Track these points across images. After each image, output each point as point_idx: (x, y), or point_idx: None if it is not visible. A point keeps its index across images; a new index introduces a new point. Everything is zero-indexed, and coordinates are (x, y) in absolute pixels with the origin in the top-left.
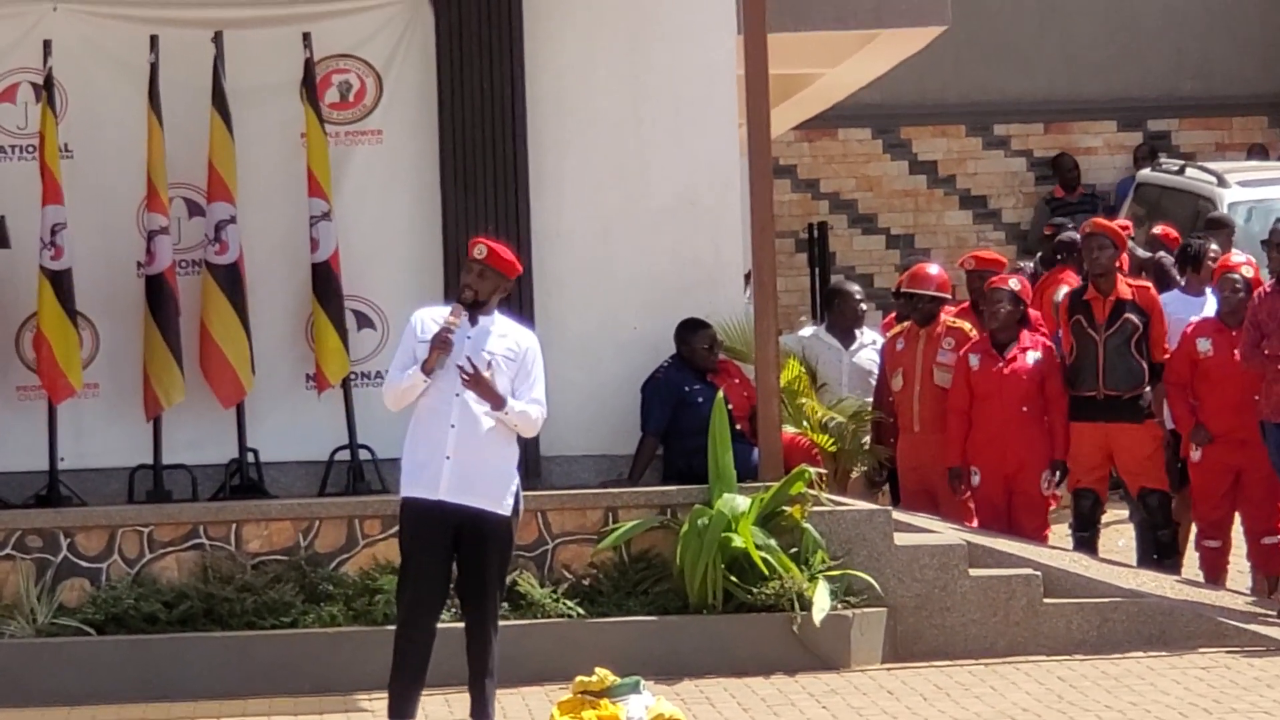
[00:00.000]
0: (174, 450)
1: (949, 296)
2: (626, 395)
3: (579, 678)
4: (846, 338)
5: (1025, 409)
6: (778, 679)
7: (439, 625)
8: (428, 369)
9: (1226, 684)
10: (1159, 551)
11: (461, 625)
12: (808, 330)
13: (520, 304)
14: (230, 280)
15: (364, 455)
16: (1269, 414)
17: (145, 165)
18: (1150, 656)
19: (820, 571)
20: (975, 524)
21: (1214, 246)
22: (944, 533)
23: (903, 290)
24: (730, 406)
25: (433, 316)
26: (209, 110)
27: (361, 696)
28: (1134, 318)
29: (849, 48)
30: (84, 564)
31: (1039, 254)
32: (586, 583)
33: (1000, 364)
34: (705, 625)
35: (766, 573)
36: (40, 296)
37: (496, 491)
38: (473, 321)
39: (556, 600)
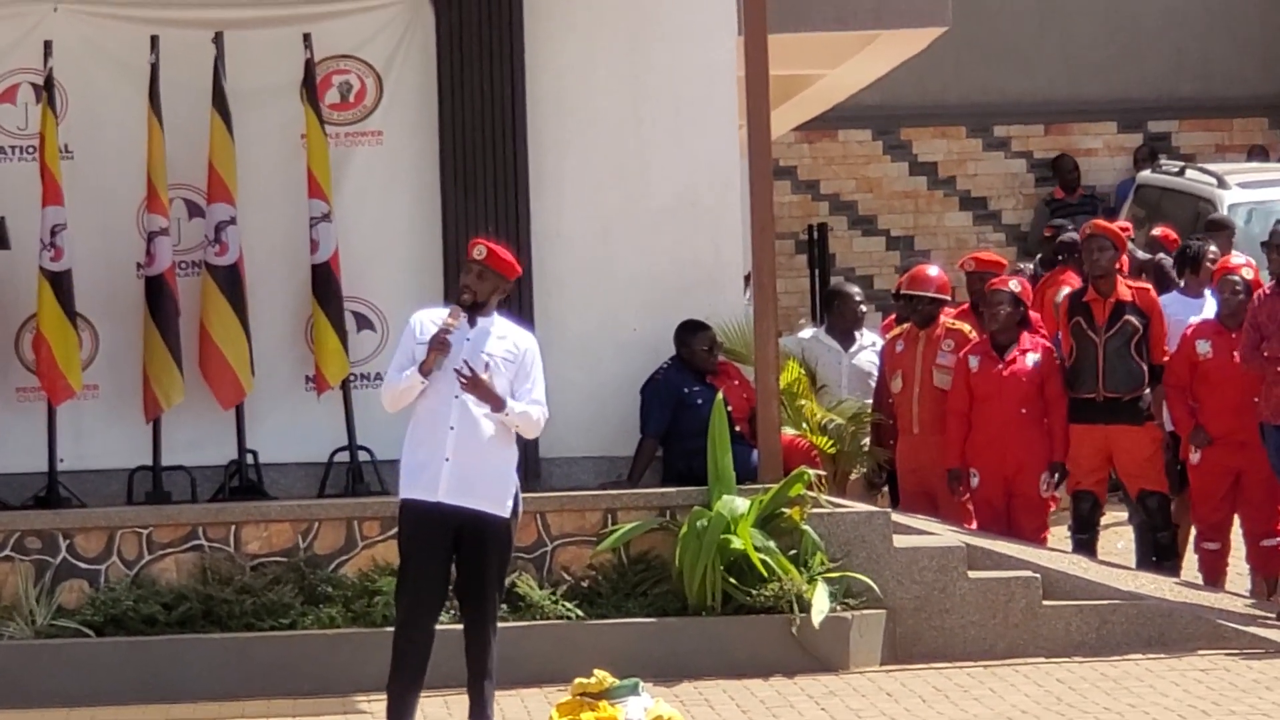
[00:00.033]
0: (173, 451)
1: (949, 298)
2: (626, 396)
3: (578, 679)
4: (846, 339)
5: (1024, 411)
6: (776, 681)
7: (438, 627)
8: (425, 370)
9: (1225, 686)
10: (1158, 554)
11: (460, 627)
12: (807, 332)
13: (520, 305)
14: (230, 281)
15: (363, 457)
16: (1268, 416)
17: (145, 166)
18: (1149, 658)
19: (819, 573)
20: (974, 526)
21: (1213, 248)
22: (943, 535)
23: (902, 292)
24: (730, 408)
25: (431, 318)
26: (209, 111)
27: (360, 698)
28: (1134, 319)
29: (849, 49)
30: (83, 565)
31: (1039, 255)
32: (585, 584)
33: (1000, 366)
34: (704, 627)
35: (765, 574)
36: (40, 297)
37: (496, 493)
38: (471, 323)
39: (555, 602)
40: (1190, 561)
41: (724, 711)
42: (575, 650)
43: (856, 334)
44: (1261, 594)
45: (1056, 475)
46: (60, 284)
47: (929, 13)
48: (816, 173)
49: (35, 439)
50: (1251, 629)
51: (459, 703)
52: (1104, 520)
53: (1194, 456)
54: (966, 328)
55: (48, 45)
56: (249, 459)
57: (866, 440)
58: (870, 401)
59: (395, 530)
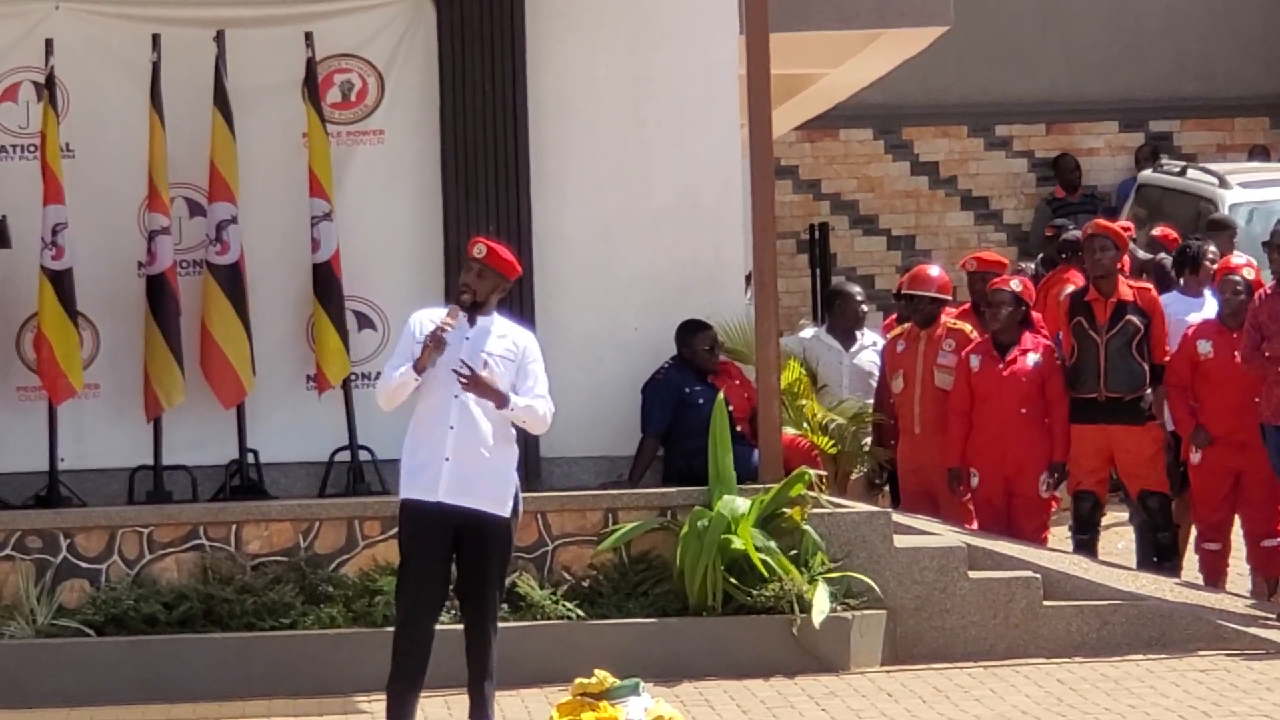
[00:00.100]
0: (174, 451)
1: (950, 298)
2: (627, 396)
3: (578, 680)
4: (847, 339)
5: (1024, 411)
6: (777, 681)
7: (438, 627)
8: (420, 367)
9: (1226, 687)
10: (1159, 554)
11: (461, 627)
12: (808, 332)
13: (521, 305)
14: (231, 280)
15: (364, 456)
16: (1269, 416)
17: (147, 165)
18: (1150, 659)
19: (820, 573)
20: (975, 526)
21: (1212, 248)
22: (944, 535)
23: (904, 292)
24: (731, 408)
25: (431, 318)
26: (211, 110)
27: (361, 698)
28: (1135, 319)
29: (851, 48)
30: (84, 565)
31: (1040, 255)
32: (586, 584)
33: (1001, 365)
34: (705, 627)
35: (766, 575)
36: (41, 296)
37: (496, 493)
38: (471, 322)
39: (556, 602)
40: (1191, 562)
41: (724, 712)
42: (576, 650)
43: (858, 334)
44: (1262, 594)
45: (1055, 475)
46: (61, 283)
47: (931, 12)
48: (818, 172)
49: (36, 438)
50: (1252, 630)
51: (459, 703)
52: (1105, 520)
53: (1195, 457)
54: (968, 328)
55: (49, 44)
56: (250, 458)
57: (867, 440)
58: (871, 401)
59: (396, 530)
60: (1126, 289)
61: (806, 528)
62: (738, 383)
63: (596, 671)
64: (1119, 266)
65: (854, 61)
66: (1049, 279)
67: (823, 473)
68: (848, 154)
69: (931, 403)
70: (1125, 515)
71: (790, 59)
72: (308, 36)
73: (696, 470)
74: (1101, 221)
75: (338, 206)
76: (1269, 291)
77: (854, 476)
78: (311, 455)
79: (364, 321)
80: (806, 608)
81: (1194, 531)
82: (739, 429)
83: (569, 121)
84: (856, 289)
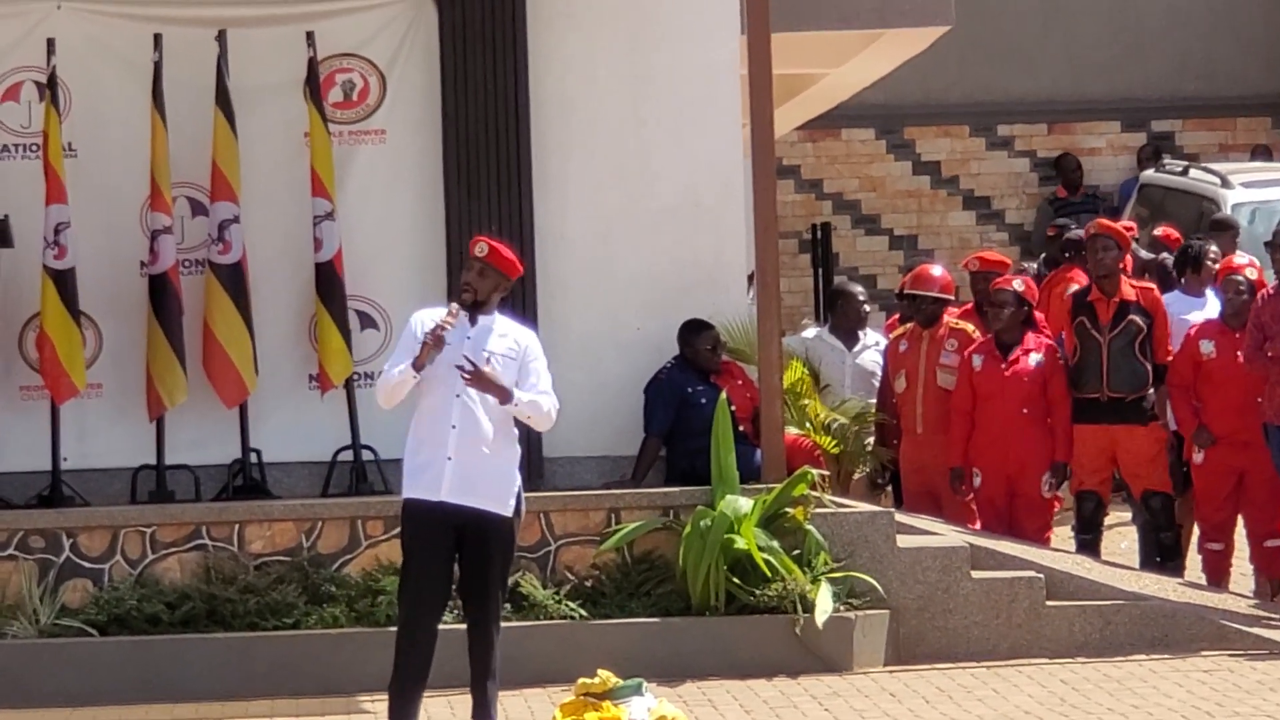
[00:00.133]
0: (177, 450)
1: (952, 298)
2: (629, 396)
3: (581, 679)
4: (850, 339)
5: (1026, 410)
6: (780, 681)
7: (441, 626)
8: (418, 365)
9: (1229, 687)
10: (1162, 554)
11: (464, 627)
12: (811, 331)
13: (523, 305)
14: (233, 280)
15: (367, 456)
16: (1272, 416)
17: (149, 164)
18: (1153, 659)
19: (823, 573)
20: (978, 525)
21: (1213, 248)
22: (946, 535)
23: (906, 291)
24: (733, 408)
25: (432, 317)
26: (213, 109)
27: (364, 698)
28: (1138, 319)
29: (853, 47)
30: (86, 564)
31: (1042, 255)
32: (589, 584)
33: (1003, 365)
34: (707, 627)
35: (769, 574)
36: (43, 296)
37: (498, 492)
38: (472, 321)
39: (559, 602)
40: (1194, 562)
41: (727, 712)
42: (579, 650)
43: (860, 333)
44: (1265, 595)
45: (1057, 476)
46: (64, 282)
47: (932, 11)
48: (820, 172)
49: (39, 438)
50: (1255, 630)
51: (462, 703)
52: (1108, 520)
53: (1197, 457)
54: (970, 327)
55: (51, 43)
56: (252, 458)
57: (870, 440)
58: (874, 401)
59: (398, 530)
60: (1129, 289)
61: (809, 527)
62: (740, 382)
63: (599, 671)
64: (1121, 266)
65: (855, 61)
66: (1051, 279)
67: (825, 472)
68: (850, 154)
69: (934, 402)
70: (1128, 515)
71: (792, 59)
72: (309, 36)
73: (699, 470)
74: (1104, 221)
75: (340, 206)
76: (1271, 291)
77: (856, 476)
78: (314, 455)
79: (366, 321)
80: (809, 608)
81: (1197, 531)
82: (741, 429)
83: (570, 121)
84: (859, 289)
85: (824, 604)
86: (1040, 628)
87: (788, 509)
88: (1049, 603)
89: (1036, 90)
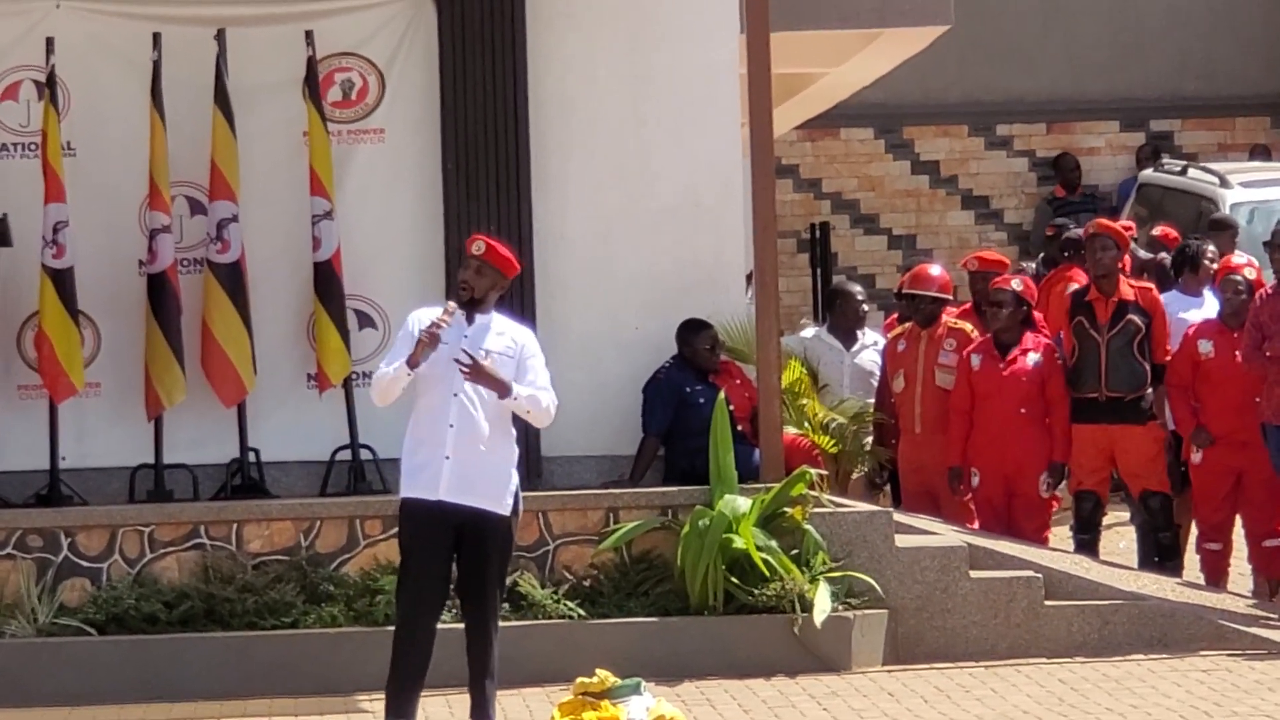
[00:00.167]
0: (175, 450)
1: (951, 298)
2: (628, 396)
3: (580, 679)
4: (848, 338)
5: (1025, 410)
6: (778, 681)
7: (439, 626)
8: (413, 363)
9: (1228, 687)
10: (1160, 554)
11: (462, 626)
12: (809, 331)
13: (522, 304)
14: (232, 279)
15: (365, 455)
16: (1270, 416)
17: (148, 163)
18: (1151, 659)
19: (821, 573)
20: (976, 525)
21: (1211, 248)
22: (945, 534)
23: (905, 291)
24: (732, 407)
25: (429, 316)
26: (211, 108)
27: (362, 697)
28: (1136, 319)
29: (852, 47)
30: (85, 564)
31: (1041, 254)
32: (587, 584)
33: (1001, 365)
34: (706, 627)
35: (767, 574)
36: (42, 295)
37: (496, 491)
38: (469, 320)
39: (557, 601)
40: (1192, 562)
41: (726, 711)
42: (577, 650)
43: (858, 333)
44: (1263, 594)
45: (1056, 475)
46: (62, 281)
47: (932, 11)
48: (818, 171)
49: (37, 437)
50: (1254, 630)
51: (461, 702)
52: (1106, 520)
53: (1196, 456)
54: (969, 327)
55: (50, 42)
56: (251, 457)
57: (868, 439)
58: (872, 401)
59: (396, 529)
60: (1128, 288)
61: (808, 527)
62: (739, 382)
63: (598, 671)
64: (1120, 266)
65: (855, 61)
66: (1050, 278)
67: (824, 472)
68: (848, 153)
69: (932, 402)
70: (1126, 515)
71: (791, 58)
72: (308, 35)
73: (698, 470)
74: (1103, 221)
75: (338, 205)
76: (1270, 291)
77: (855, 476)
78: (312, 454)
79: (365, 320)
80: (808, 607)
81: (1195, 531)
82: (740, 428)
83: (570, 121)
84: (857, 288)
85: (822, 604)
86: (1039, 627)
87: (786, 509)
88: (1047, 602)
89: (1036, 90)
